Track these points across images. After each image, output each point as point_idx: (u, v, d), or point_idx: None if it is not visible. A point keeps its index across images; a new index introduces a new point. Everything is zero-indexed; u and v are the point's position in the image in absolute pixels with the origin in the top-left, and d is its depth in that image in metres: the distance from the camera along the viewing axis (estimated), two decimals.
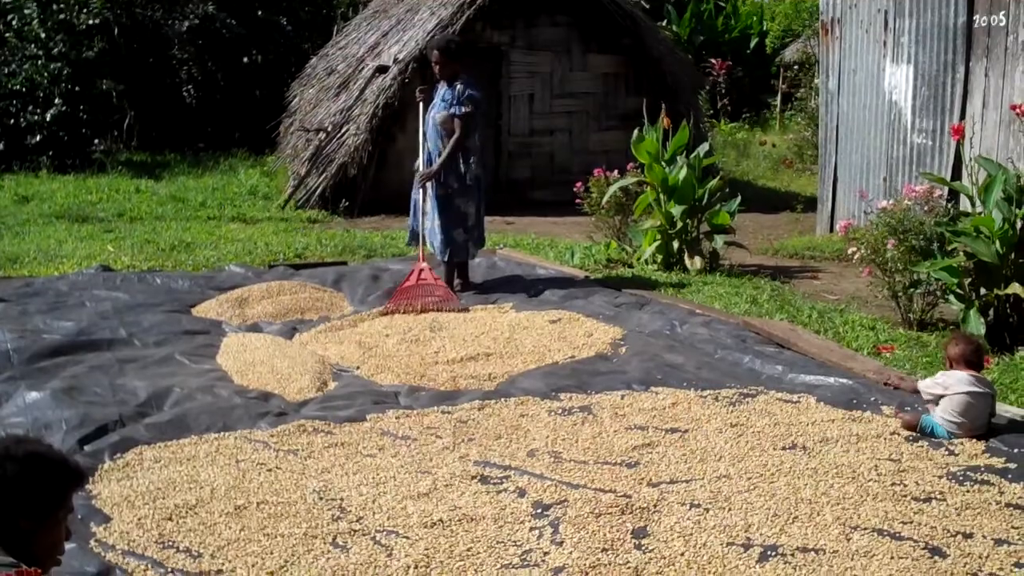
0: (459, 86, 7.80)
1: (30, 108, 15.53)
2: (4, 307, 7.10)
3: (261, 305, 7.33)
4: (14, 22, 17.76)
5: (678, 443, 4.81)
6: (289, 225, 11.70)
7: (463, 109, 7.74)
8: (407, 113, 13.18)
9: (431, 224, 7.89)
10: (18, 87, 15.57)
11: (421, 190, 7.86)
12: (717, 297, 8.07)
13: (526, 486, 4.28)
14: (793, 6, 20.34)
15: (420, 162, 7.97)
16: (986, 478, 4.43)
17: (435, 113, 7.88)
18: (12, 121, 15.41)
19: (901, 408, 5.23)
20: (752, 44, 24.15)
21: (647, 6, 16.07)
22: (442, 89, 7.92)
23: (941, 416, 4.92)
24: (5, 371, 5.68)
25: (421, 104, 8.06)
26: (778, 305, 7.82)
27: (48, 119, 15.41)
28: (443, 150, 7.79)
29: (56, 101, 15.57)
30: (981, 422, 4.93)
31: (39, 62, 16.08)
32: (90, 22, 17.45)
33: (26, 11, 17.46)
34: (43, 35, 16.95)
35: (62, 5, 17.33)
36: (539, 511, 4.05)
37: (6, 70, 15.98)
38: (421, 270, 7.60)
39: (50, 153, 15.35)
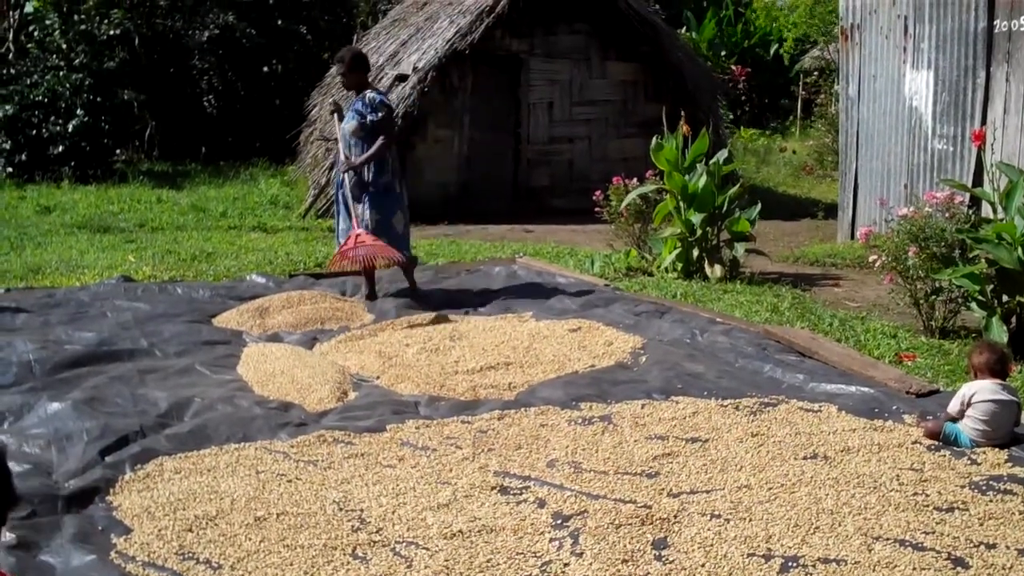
0: (368, 95, 7.81)
1: (52, 119, 15.60)
2: (26, 318, 7.15)
3: (281, 315, 7.34)
4: (36, 33, 17.91)
5: (698, 453, 4.79)
6: (309, 234, 11.73)
7: (379, 115, 7.74)
8: (427, 122, 13.26)
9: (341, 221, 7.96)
10: (40, 98, 15.64)
11: (344, 176, 7.82)
12: (737, 305, 8.05)
13: (546, 497, 4.27)
14: (807, 11, 20.26)
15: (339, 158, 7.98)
16: (1009, 487, 4.38)
17: (345, 124, 7.89)
18: (34, 132, 15.49)
19: (923, 417, 5.20)
20: (772, 51, 24.12)
21: (663, 14, 16.06)
22: (355, 102, 7.91)
23: (966, 423, 4.89)
24: (27, 382, 5.71)
25: (335, 116, 8.16)
26: (799, 313, 7.78)
27: (70, 130, 15.48)
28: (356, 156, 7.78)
29: (78, 112, 15.65)
30: (1006, 430, 4.90)
31: (61, 73, 16.18)
32: (111, 32, 17.59)
33: (47, 22, 17.59)
34: (65, 46, 17.08)
35: (83, 16, 17.46)
36: (559, 522, 4.03)
37: (28, 81, 16.08)
38: (358, 235, 7.63)
39: (72, 163, 15.43)
